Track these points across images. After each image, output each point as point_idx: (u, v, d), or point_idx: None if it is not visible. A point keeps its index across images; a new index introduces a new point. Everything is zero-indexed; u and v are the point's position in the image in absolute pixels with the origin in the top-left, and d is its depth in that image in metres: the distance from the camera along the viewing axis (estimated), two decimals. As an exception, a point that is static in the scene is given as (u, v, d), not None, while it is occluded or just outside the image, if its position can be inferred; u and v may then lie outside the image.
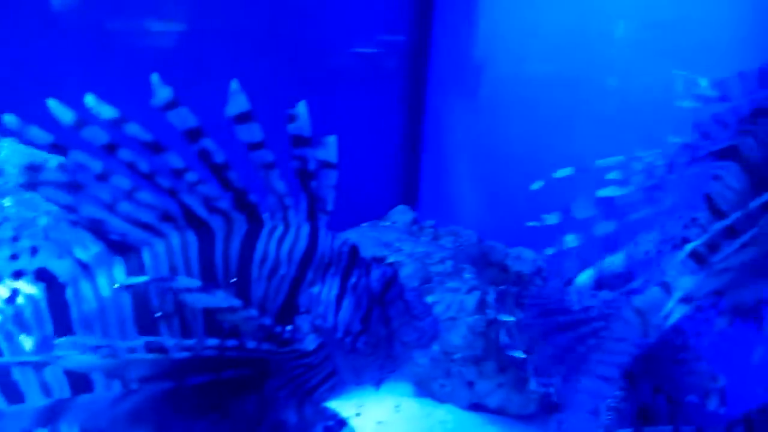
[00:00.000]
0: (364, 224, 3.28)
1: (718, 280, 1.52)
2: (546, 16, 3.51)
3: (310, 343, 1.38)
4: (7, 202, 3.23)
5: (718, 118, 1.68)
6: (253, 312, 1.32)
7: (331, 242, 1.44)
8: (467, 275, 2.58)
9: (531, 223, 1.78)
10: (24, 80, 2.99)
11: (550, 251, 1.78)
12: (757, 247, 1.49)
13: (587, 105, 3.31)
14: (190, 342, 1.26)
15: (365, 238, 2.95)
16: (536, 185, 1.79)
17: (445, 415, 2.54)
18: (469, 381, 2.47)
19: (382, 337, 1.44)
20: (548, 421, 2.45)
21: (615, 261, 1.78)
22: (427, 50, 4.29)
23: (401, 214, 3.25)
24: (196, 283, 1.26)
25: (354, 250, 1.46)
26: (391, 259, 2.67)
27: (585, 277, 1.80)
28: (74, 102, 1.31)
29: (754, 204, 1.49)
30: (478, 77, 3.94)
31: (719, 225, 1.58)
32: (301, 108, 1.38)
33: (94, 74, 3.02)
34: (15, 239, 1.37)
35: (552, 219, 1.74)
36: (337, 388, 1.44)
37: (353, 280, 1.43)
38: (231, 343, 1.30)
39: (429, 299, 2.32)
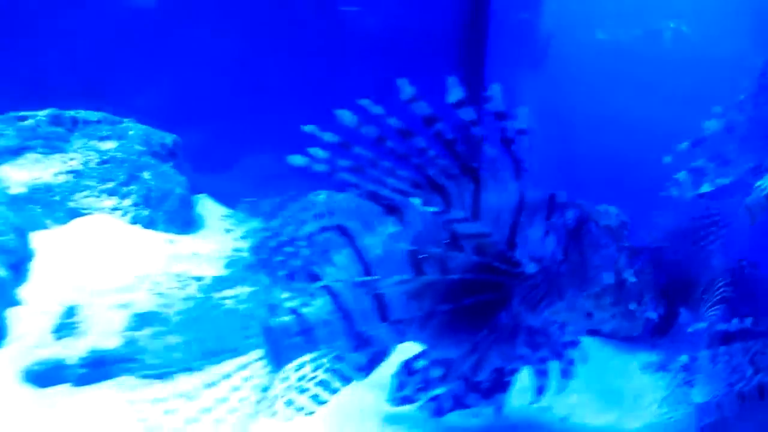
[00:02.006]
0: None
1: None
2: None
3: (532, 268, 1.83)
4: (146, 174, 3.72)
5: None
6: (496, 237, 1.76)
7: (534, 193, 1.88)
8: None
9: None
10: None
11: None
12: None
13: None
14: (456, 253, 1.73)
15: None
16: (667, 159, 2.28)
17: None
18: (588, 312, 2.94)
19: (578, 263, 1.90)
20: (650, 342, 2.95)
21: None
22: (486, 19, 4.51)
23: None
24: (463, 213, 1.73)
25: (552, 197, 1.90)
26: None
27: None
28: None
29: None
30: (543, 47, 4.27)
31: None
32: (495, 89, 1.80)
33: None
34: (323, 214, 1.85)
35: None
36: (549, 305, 1.90)
37: (554, 220, 1.87)
38: (478, 261, 1.75)
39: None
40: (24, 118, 3.84)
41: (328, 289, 1.82)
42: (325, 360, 1.88)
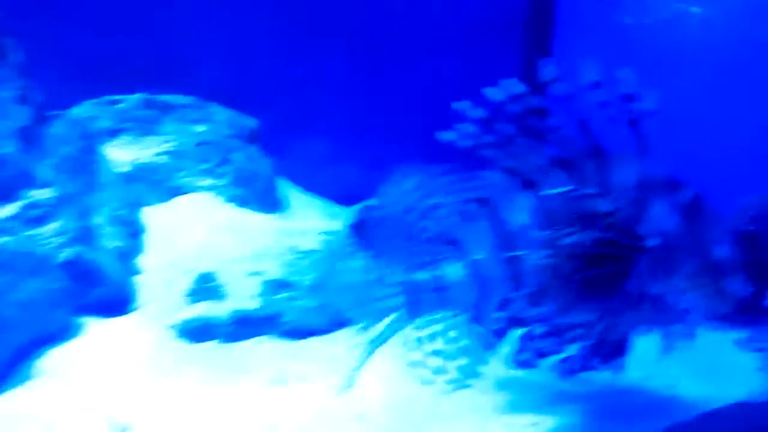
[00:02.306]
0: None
1: None
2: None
3: (654, 241, 1.96)
4: (236, 156, 3.90)
5: None
6: (622, 213, 1.89)
7: (654, 172, 2.00)
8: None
9: None
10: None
11: None
12: None
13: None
14: (588, 231, 1.87)
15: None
16: None
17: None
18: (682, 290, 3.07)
19: (694, 239, 2.02)
20: (738, 319, 3.06)
21: None
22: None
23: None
24: (594, 191, 1.86)
25: (668, 176, 2.02)
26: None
27: None
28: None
29: None
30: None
31: None
32: (626, 73, 1.93)
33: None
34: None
35: None
36: (666, 277, 2.03)
37: (670, 198, 2.00)
38: (606, 235, 1.89)
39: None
40: (117, 102, 4.03)
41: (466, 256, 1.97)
42: (461, 321, 2.02)
